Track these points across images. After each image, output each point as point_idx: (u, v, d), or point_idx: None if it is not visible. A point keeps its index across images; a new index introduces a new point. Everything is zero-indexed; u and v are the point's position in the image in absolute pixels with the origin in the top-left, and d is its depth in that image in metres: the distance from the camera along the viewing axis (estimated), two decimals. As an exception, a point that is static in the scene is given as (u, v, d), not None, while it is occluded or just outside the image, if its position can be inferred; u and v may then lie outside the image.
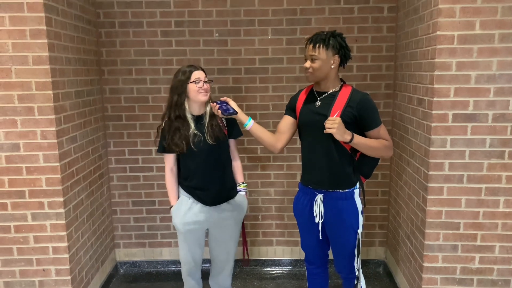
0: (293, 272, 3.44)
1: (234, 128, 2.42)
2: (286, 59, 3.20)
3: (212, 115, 2.32)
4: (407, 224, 2.83)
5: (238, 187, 2.48)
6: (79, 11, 2.81)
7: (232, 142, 2.46)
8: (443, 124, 2.32)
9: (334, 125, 1.99)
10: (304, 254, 2.49)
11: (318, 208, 2.21)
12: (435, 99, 2.30)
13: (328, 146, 2.13)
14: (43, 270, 2.57)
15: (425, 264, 2.49)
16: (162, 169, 3.33)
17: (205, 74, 2.29)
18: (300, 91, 2.34)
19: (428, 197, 2.41)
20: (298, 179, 3.34)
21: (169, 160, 2.39)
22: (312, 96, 2.22)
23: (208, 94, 2.28)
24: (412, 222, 2.71)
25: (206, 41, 3.18)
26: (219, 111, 2.16)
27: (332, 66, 2.10)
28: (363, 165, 2.23)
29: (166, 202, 3.39)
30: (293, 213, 3.34)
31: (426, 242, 2.46)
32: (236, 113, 2.19)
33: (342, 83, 2.19)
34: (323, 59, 2.07)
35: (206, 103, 2.32)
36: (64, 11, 2.56)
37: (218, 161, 2.35)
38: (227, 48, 3.19)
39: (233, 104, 2.22)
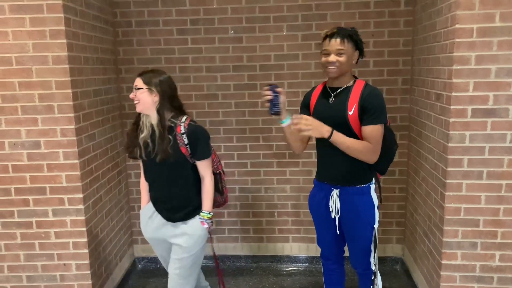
0: (309, 268, 3.44)
1: (197, 148, 2.09)
2: (302, 55, 3.19)
3: (161, 132, 2.03)
4: (425, 221, 2.79)
5: (199, 215, 2.19)
6: (96, 11, 2.85)
7: (199, 163, 2.15)
8: (461, 120, 2.28)
9: (308, 126, 1.96)
10: (320, 250, 2.48)
11: (334, 203, 2.20)
12: (453, 94, 2.26)
13: None
14: (64, 264, 2.63)
15: (444, 262, 2.45)
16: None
17: (143, 80, 2.05)
18: (313, 88, 2.31)
19: (446, 193, 2.37)
20: (314, 176, 3.33)
21: (141, 165, 2.26)
22: (325, 92, 2.20)
23: (142, 104, 2.05)
24: (430, 219, 2.68)
25: (221, 38, 3.20)
26: (268, 103, 2.05)
27: (353, 62, 2.10)
28: (378, 161, 2.18)
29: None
30: (309, 210, 3.37)
31: (444, 239, 2.43)
32: (279, 114, 2.07)
33: (355, 78, 2.17)
34: (349, 54, 2.05)
35: (159, 113, 2.05)
36: (82, 12, 2.61)
37: (169, 177, 2.13)
38: (242, 45, 3.20)
39: (282, 100, 2.06)
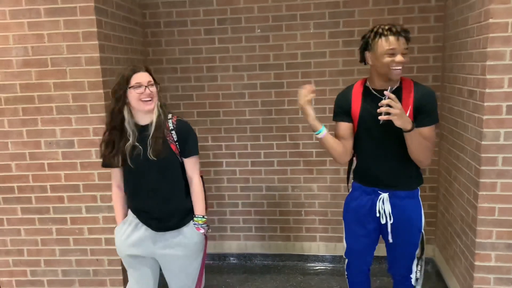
0: (337, 268, 3.41)
1: (186, 145, 1.96)
2: (329, 52, 3.16)
3: (158, 126, 1.89)
4: (456, 221, 2.72)
5: (193, 220, 2.03)
6: (126, 12, 2.92)
7: (186, 161, 1.99)
8: (496, 117, 2.21)
9: (396, 110, 1.77)
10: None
11: (384, 207, 2.04)
12: (487, 90, 2.19)
13: (396, 148, 1.95)
14: (97, 260, 2.71)
15: (477, 263, 2.38)
16: (206, 164, 3.41)
17: (151, 75, 1.91)
18: (348, 90, 2.09)
19: (480, 193, 2.31)
20: (342, 174, 3.31)
21: (114, 175, 2.02)
22: (369, 95, 1.99)
23: (154, 102, 1.88)
24: (462, 219, 2.61)
25: (248, 37, 3.21)
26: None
27: None
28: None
29: (212, 197, 3.47)
30: (336, 209, 3.34)
31: (477, 240, 2.36)
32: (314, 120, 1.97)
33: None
34: (408, 54, 1.91)
35: (162, 108, 1.94)
36: (113, 13, 2.68)
37: (161, 180, 1.95)
38: (269, 43, 3.20)
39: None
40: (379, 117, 1.84)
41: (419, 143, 1.89)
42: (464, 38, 2.53)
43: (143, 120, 1.90)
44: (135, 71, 1.85)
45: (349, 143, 2.06)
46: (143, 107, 1.85)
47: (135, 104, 1.85)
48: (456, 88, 2.71)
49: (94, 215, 2.65)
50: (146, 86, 1.84)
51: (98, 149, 2.49)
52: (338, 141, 2.05)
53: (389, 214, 2.04)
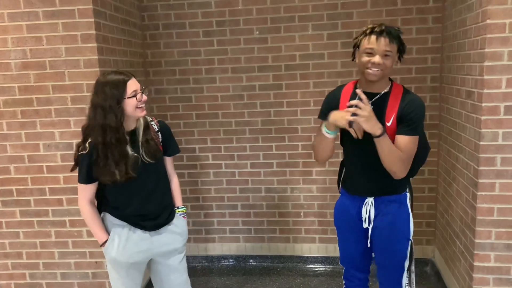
0: (337, 269, 3.41)
1: (170, 144, 2.04)
2: (327, 54, 3.17)
3: (146, 128, 1.90)
4: (456, 221, 2.73)
5: (177, 211, 2.09)
6: (125, 15, 2.93)
7: (168, 159, 2.07)
8: (494, 117, 2.21)
9: (364, 112, 1.70)
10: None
11: (368, 211, 1.98)
12: (485, 91, 2.20)
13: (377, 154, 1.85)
14: (96, 262, 2.71)
15: (476, 264, 2.39)
16: (205, 166, 3.41)
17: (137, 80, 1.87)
18: (339, 89, 2.04)
19: (479, 193, 2.31)
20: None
21: (89, 191, 1.90)
22: (358, 97, 1.84)
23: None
24: (461, 220, 2.61)
25: (247, 39, 3.21)
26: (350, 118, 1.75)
27: (394, 65, 1.85)
28: (414, 162, 1.95)
29: (210, 198, 3.47)
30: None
31: (476, 241, 2.36)
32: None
33: (391, 82, 1.94)
34: (394, 58, 1.81)
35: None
36: (112, 16, 2.68)
37: (156, 182, 1.97)
38: (267, 45, 3.21)
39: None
40: (346, 117, 1.75)
41: (390, 151, 1.79)
42: (462, 39, 2.54)
43: (130, 126, 1.86)
44: (127, 79, 1.77)
45: (331, 152, 2.01)
46: (139, 113, 1.82)
47: (131, 112, 1.79)
48: (455, 89, 2.71)
49: (93, 217, 2.65)
50: (141, 93, 1.82)
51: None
52: (332, 148, 1.98)
53: (370, 218, 1.98)
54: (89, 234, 2.66)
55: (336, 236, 3.37)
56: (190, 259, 3.61)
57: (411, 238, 2.02)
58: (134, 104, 1.77)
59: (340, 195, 2.19)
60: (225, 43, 3.24)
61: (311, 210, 3.43)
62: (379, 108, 1.85)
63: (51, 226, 2.68)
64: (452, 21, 2.75)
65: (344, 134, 1.99)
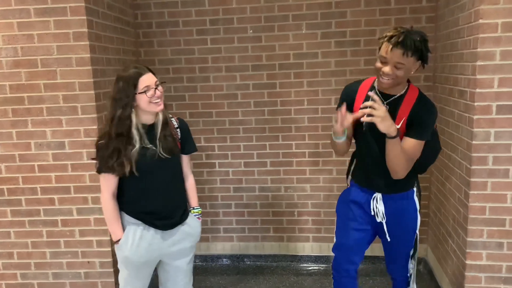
0: (330, 269, 3.40)
1: (187, 142, 2.05)
2: (321, 53, 3.17)
3: (165, 123, 1.93)
4: (448, 220, 2.74)
5: (191, 212, 2.11)
6: (118, 13, 2.90)
7: (185, 158, 2.07)
8: (486, 117, 2.22)
9: (380, 112, 1.73)
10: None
11: (378, 206, 2.04)
12: (477, 90, 2.21)
13: None
14: (88, 262, 2.69)
15: (468, 262, 2.40)
16: (199, 165, 3.40)
17: (155, 75, 1.86)
18: (358, 83, 2.05)
19: (471, 192, 2.32)
20: (335, 175, 3.32)
21: (110, 183, 1.89)
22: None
23: (162, 101, 1.86)
24: (454, 219, 2.62)
25: (240, 38, 3.21)
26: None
27: (412, 72, 1.83)
28: (425, 161, 2.03)
29: (204, 198, 3.46)
30: (329, 210, 3.35)
31: (468, 239, 2.37)
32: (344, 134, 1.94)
33: (408, 83, 1.95)
34: (408, 68, 1.78)
35: (166, 107, 1.94)
36: (104, 14, 2.66)
37: (171, 178, 1.99)
38: (261, 44, 3.20)
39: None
40: (362, 119, 1.79)
41: (399, 152, 1.85)
42: (455, 38, 2.55)
43: (148, 119, 1.88)
44: (140, 74, 1.79)
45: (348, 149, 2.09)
46: (154, 108, 1.84)
47: (146, 107, 1.82)
48: (448, 88, 2.72)
49: (86, 217, 2.63)
50: (155, 88, 1.82)
51: (89, 150, 2.51)
52: (347, 147, 2.07)
53: (383, 213, 2.05)
54: (81, 233, 2.65)
55: (330, 235, 3.42)
56: (183, 259, 3.60)
57: (417, 231, 2.14)
58: (146, 99, 1.79)
59: (348, 185, 2.24)
60: (219, 42, 3.23)
61: (305, 209, 3.43)
62: (392, 110, 1.88)
63: (43, 225, 2.65)
64: (445, 21, 2.77)
65: (362, 133, 2.01)
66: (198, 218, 2.12)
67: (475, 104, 2.22)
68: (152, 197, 1.93)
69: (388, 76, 1.79)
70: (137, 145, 1.83)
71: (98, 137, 1.90)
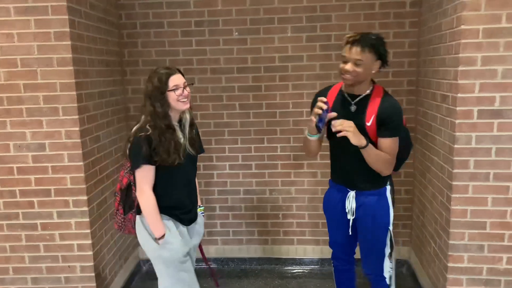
0: (314, 271, 3.42)
1: (200, 141, 2.20)
2: (306, 56, 3.18)
3: (192, 121, 2.10)
4: (431, 223, 2.77)
5: (198, 209, 2.24)
6: (101, 13, 2.86)
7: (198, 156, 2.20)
8: (468, 121, 2.26)
9: (350, 128, 1.92)
10: (327, 249, 2.48)
11: (350, 204, 2.17)
12: (459, 95, 2.24)
13: (359, 151, 2.02)
14: (69, 266, 2.63)
15: (450, 264, 2.43)
16: (183, 168, 3.36)
17: (183, 76, 2.03)
18: (326, 89, 2.19)
19: (453, 195, 2.35)
20: (319, 177, 3.33)
21: (151, 174, 1.97)
22: (342, 98, 2.09)
23: (189, 100, 2.02)
24: (436, 222, 2.65)
25: (226, 40, 3.19)
26: (316, 117, 1.95)
27: (373, 71, 1.98)
28: (398, 158, 2.11)
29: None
30: (314, 212, 3.36)
31: (450, 242, 2.40)
32: (320, 130, 2.00)
33: (373, 84, 2.08)
34: (368, 65, 1.93)
35: (191, 107, 2.08)
36: (87, 13, 2.62)
37: (192, 175, 2.16)
38: (247, 46, 3.20)
39: (327, 117, 1.95)
40: (338, 134, 1.94)
41: (376, 156, 2.00)
42: (438, 43, 2.58)
43: (175, 117, 2.04)
44: (170, 74, 1.95)
45: (319, 150, 2.21)
46: (181, 106, 1.99)
47: (174, 104, 1.97)
48: (430, 93, 2.76)
49: (66, 220, 2.57)
50: (183, 88, 1.97)
51: (70, 152, 2.47)
52: (319, 148, 2.18)
53: (353, 210, 2.17)
54: (62, 237, 2.59)
55: (314, 237, 3.43)
56: (167, 262, 3.56)
57: (390, 227, 2.20)
58: (175, 97, 1.95)
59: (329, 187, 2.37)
60: (204, 44, 3.21)
61: (289, 211, 3.43)
62: (360, 109, 2.04)
63: (22, 229, 2.59)
64: (428, 26, 2.80)
65: (334, 133, 2.07)
66: (202, 215, 2.28)
67: (457, 108, 2.25)
68: (181, 190, 2.07)
69: (349, 73, 1.94)
70: (182, 138, 2.02)
71: (134, 132, 1.96)
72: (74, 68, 2.40)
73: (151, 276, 3.44)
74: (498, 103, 2.21)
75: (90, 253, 2.62)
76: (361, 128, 1.99)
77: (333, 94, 2.14)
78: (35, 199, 2.55)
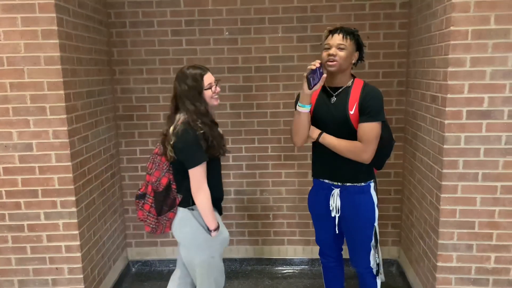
0: (305, 271, 3.42)
1: None
2: (297, 57, 3.18)
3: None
4: (420, 223, 2.79)
5: None
6: (90, 11, 2.82)
7: None
8: (457, 121, 2.28)
9: None
10: (317, 250, 2.50)
11: (335, 202, 2.21)
12: (448, 95, 2.26)
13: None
14: (56, 268, 2.59)
15: (439, 264, 2.45)
16: (173, 168, 3.34)
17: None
18: None
19: (442, 195, 2.37)
20: (309, 178, 3.32)
21: (205, 169, 2.06)
22: (325, 92, 2.20)
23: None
24: (425, 221, 2.67)
25: (216, 40, 3.18)
26: (310, 77, 1.99)
27: (352, 61, 2.12)
28: (375, 156, 2.15)
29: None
30: (304, 212, 3.36)
31: (440, 241, 2.42)
32: (311, 89, 2.03)
33: (353, 78, 2.18)
34: (349, 51, 2.07)
35: None
36: (76, 12, 2.58)
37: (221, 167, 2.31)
38: (237, 46, 3.18)
39: (321, 81, 2.01)
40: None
41: (333, 147, 2.12)
42: (427, 44, 2.60)
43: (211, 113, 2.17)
44: (203, 73, 2.06)
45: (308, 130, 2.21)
46: (214, 102, 2.12)
47: (209, 101, 2.10)
48: (420, 93, 2.78)
49: (54, 221, 2.53)
50: (215, 85, 2.10)
51: (58, 152, 2.43)
52: (307, 126, 2.16)
53: (337, 208, 2.21)
54: (49, 238, 2.55)
55: (304, 237, 3.43)
56: (157, 263, 3.53)
57: (375, 224, 2.25)
58: (210, 94, 2.08)
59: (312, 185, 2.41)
60: (194, 43, 3.19)
61: (280, 212, 3.43)
62: (342, 100, 2.12)
63: (8, 231, 2.54)
64: (418, 27, 2.82)
65: (316, 125, 2.22)
66: None
67: (446, 109, 2.27)
68: (220, 182, 2.22)
69: (334, 58, 2.05)
70: (221, 131, 2.17)
71: (182, 131, 1.99)
72: (62, 67, 2.36)
73: (141, 277, 3.42)
74: (487, 103, 2.24)
75: (79, 254, 2.58)
76: (345, 118, 2.08)
77: (316, 90, 2.19)
78: (22, 200, 2.50)
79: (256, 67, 3.21)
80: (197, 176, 2.01)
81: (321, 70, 1.99)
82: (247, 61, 3.20)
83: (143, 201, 2.18)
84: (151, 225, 2.19)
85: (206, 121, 2.05)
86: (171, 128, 2.03)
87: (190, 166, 2.00)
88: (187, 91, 2.02)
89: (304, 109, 2.10)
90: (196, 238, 2.12)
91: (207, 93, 2.07)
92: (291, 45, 3.17)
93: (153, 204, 2.14)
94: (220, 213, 2.26)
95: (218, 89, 2.13)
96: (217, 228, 2.12)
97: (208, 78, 2.07)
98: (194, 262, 2.16)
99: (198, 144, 1.99)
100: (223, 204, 2.35)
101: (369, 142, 2.06)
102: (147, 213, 2.16)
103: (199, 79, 2.03)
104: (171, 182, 2.13)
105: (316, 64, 1.97)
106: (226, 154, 2.21)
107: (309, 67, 2.00)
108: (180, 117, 2.04)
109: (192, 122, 2.01)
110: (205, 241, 2.12)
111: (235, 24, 3.15)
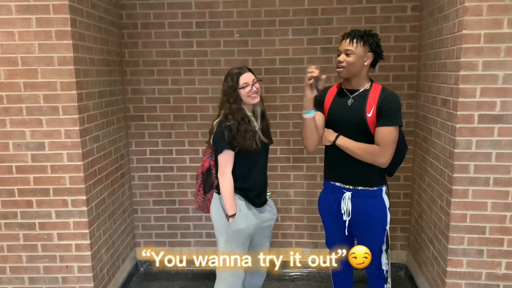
0: (313, 274, 3.41)
1: (270, 132, 2.41)
2: (307, 59, 3.18)
3: (263, 113, 2.34)
4: (430, 227, 2.77)
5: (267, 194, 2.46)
6: (102, 12, 2.86)
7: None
8: (468, 125, 2.26)
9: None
10: (325, 252, 2.45)
11: (346, 205, 2.21)
12: (460, 99, 2.24)
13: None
14: (66, 267, 2.62)
15: (449, 269, 2.43)
16: (182, 169, 3.36)
17: (253, 74, 2.26)
18: (327, 88, 2.30)
19: (452, 200, 2.35)
20: (318, 180, 3.33)
21: (231, 158, 2.25)
22: (342, 93, 2.22)
23: (259, 95, 2.27)
24: (435, 226, 2.65)
25: (227, 41, 3.19)
26: (316, 84, 2.08)
27: (365, 63, 2.12)
28: (392, 161, 2.15)
29: (187, 202, 3.42)
30: (312, 215, 3.35)
31: (450, 246, 2.40)
32: (313, 93, 2.11)
33: (371, 81, 2.19)
34: (358, 55, 2.08)
35: (262, 100, 2.34)
36: (88, 13, 2.61)
37: (265, 161, 2.39)
38: (248, 48, 3.19)
39: (320, 84, 2.11)
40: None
41: (351, 152, 2.13)
42: (439, 48, 2.59)
43: (249, 110, 2.28)
44: (240, 73, 2.21)
45: (322, 133, 2.26)
46: (250, 101, 2.23)
47: (245, 99, 2.23)
48: (431, 97, 2.76)
49: (65, 220, 2.56)
50: (252, 85, 2.20)
51: (69, 151, 2.46)
52: (316, 130, 2.20)
53: (349, 211, 2.22)
54: (60, 237, 2.58)
55: (312, 240, 3.42)
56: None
57: (387, 227, 2.25)
58: (245, 93, 2.20)
59: (323, 188, 2.41)
60: (205, 45, 3.21)
61: (288, 214, 3.42)
62: (359, 102, 2.13)
63: (19, 228, 2.57)
64: (429, 30, 2.81)
65: (331, 127, 2.24)
66: (270, 198, 2.46)
67: (458, 113, 2.26)
68: (255, 174, 2.30)
69: (341, 64, 2.11)
70: (256, 127, 2.26)
71: (217, 123, 2.24)
72: (74, 67, 2.39)
73: (149, 277, 3.44)
74: (499, 108, 2.22)
75: (88, 253, 2.60)
76: (362, 121, 2.09)
77: (333, 91, 2.28)
78: (33, 199, 2.53)
79: (266, 69, 3.22)
80: (220, 162, 2.24)
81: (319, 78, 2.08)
82: (257, 63, 3.21)
83: (196, 181, 2.48)
84: (198, 202, 2.47)
85: (236, 117, 2.20)
86: (215, 121, 2.29)
87: (216, 153, 2.27)
88: (226, 89, 2.24)
89: (309, 115, 2.15)
90: (218, 220, 2.33)
91: (242, 92, 2.21)
92: (301, 47, 3.17)
93: (201, 184, 2.42)
94: (254, 204, 2.32)
95: (254, 88, 2.22)
96: (233, 215, 2.25)
97: (245, 78, 2.21)
98: (218, 241, 2.37)
99: (222, 135, 2.20)
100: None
101: (387, 146, 2.06)
102: (196, 191, 2.46)
103: (235, 79, 2.21)
104: (211, 167, 2.38)
105: (315, 71, 2.05)
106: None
107: (309, 74, 2.07)
108: (222, 112, 2.27)
109: (224, 116, 2.23)
110: (224, 225, 2.30)
111: (245, 26, 3.16)
